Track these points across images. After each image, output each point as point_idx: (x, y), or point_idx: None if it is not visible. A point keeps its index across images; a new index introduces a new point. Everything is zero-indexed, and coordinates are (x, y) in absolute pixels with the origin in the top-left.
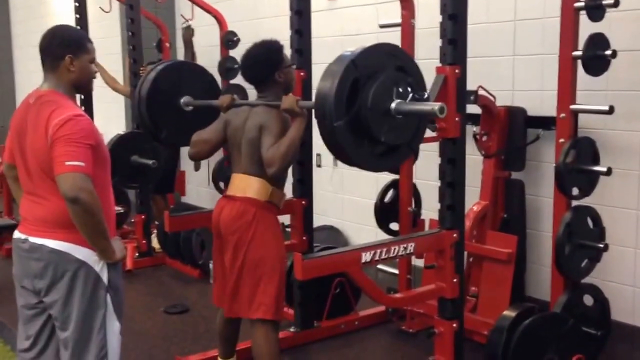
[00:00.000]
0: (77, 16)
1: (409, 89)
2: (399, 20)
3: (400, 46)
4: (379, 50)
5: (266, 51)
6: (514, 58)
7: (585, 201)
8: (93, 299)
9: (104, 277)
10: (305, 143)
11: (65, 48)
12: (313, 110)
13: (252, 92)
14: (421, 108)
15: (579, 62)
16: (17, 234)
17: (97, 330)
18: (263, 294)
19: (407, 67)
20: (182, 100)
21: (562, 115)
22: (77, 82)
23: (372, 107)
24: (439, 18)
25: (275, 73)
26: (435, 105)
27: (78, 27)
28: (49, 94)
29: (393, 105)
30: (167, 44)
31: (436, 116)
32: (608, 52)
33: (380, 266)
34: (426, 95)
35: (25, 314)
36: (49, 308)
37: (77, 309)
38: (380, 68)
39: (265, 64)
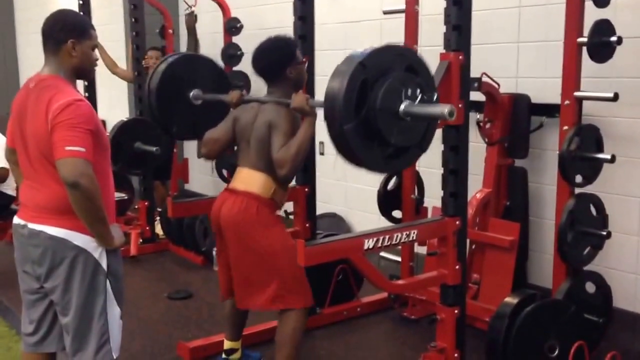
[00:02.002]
0: (80, 2)
1: (418, 90)
2: (403, 6)
3: (404, 34)
4: (388, 51)
5: (279, 45)
6: (518, 45)
7: (589, 189)
8: (92, 285)
9: (103, 264)
10: None
11: (68, 32)
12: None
13: (256, 83)
14: (430, 111)
15: (584, 48)
16: (16, 220)
17: (97, 315)
18: (284, 286)
19: (417, 68)
20: (191, 94)
21: (567, 102)
22: (78, 67)
23: (381, 109)
24: (443, 4)
25: (286, 68)
26: (445, 108)
27: (81, 13)
28: (49, 79)
29: (402, 107)
30: (170, 31)
31: (446, 119)
32: (613, 39)
33: (382, 254)
34: (435, 97)
35: (28, 299)
36: (50, 293)
37: (76, 295)
38: (389, 69)
39: (277, 58)
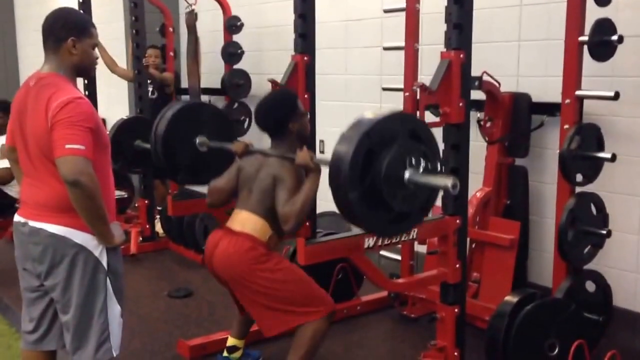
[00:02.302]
0: (80, 0)
1: (422, 159)
2: (403, 4)
3: (405, 32)
4: (394, 119)
5: (280, 101)
6: (519, 43)
7: (589, 188)
8: (93, 283)
9: (104, 262)
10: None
11: (69, 30)
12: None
13: (256, 79)
14: (435, 182)
15: (585, 47)
16: (17, 218)
17: (97, 313)
18: (299, 307)
19: (421, 135)
20: (197, 141)
21: (567, 101)
22: (79, 65)
23: (386, 177)
24: (444, 2)
25: (289, 123)
26: (448, 182)
27: (81, 11)
28: (49, 77)
29: (407, 175)
30: (171, 29)
31: (449, 191)
32: (614, 38)
33: (382, 252)
34: (439, 167)
35: (28, 297)
36: (50, 291)
37: (77, 293)
38: (394, 137)
39: (279, 114)
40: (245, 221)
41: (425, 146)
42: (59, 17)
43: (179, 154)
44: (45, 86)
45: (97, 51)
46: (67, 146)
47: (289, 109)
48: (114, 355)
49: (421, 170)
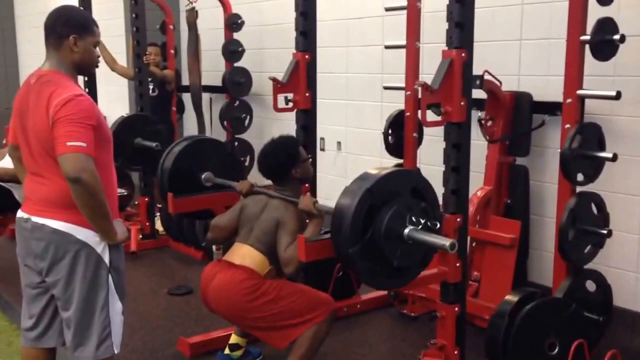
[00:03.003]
0: None
1: (422, 216)
2: (404, 3)
3: (406, 31)
4: (396, 177)
5: (282, 148)
6: (520, 42)
7: (590, 187)
8: (95, 280)
9: (106, 258)
10: (309, 127)
11: (71, 28)
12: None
13: (257, 77)
14: (433, 241)
15: (587, 46)
16: (20, 214)
17: (99, 310)
18: (301, 316)
19: (422, 191)
20: (203, 176)
21: (569, 100)
22: (80, 63)
23: (386, 234)
24: (445, 1)
25: (292, 169)
26: (446, 242)
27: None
28: (50, 74)
29: (406, 231)
30: (171, 26)
31: (447, 252)
32: (616, 37)
33: None
34: (438, 225)
35: (29, 293)
36: (52, 288)
37: (78, 290)
38: (395, 193)
39: (282, 161)
40: (245, 255)
41: (426, 203)
42: (62, 14)
43: (184, 188)
44: (47, 83)
45: (98, 49)
46: (69, 143)
47: (291, 157)
48: (115, 352)
49: (420, 227)
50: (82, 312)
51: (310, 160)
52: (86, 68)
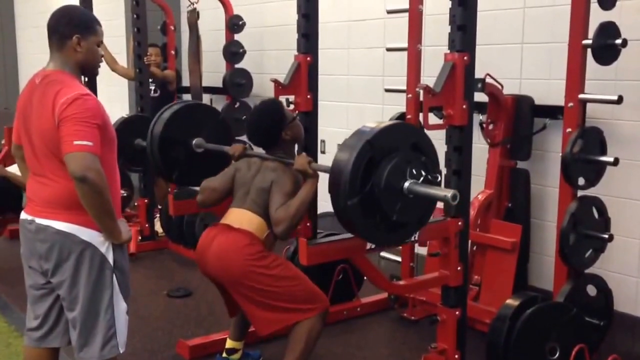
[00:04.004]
0: None
1: (422, 170)
2: (406, 5)
3: (408, 33)
4: (396, 129)
5: (267, 116)
6: (522, 46)
7: (591, 191)
8: (99, 280)
9: (110, 258)
10: (310, 129)
11: (74, 28)
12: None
13: (257, 79)
14: (434, 193)
15: (589, 50)
16: (23, 215)
17: (104, 310)
18: (295, 304)
19: (422, 146)
20: (194, 142)
21: (570, 104)
22: (83, 63)
23: (385, 187)
24: (447, 4)
25: (281, 133)
26: (448, 193)
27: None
28: (54, 74)
29: (406, 185)
30: (172, 27)
31: (449, 203)
32: (618, 41)
33: (383, 254)
34: (439, 178)
35: (34, 294)
36: (57, 288)
37: (83, 290)
38: (395, 147)
39: (269, 127)
40: (242, 218)
41: (426, 157)
42: (64, 14)
43: (174, 154)
44: (52, 83)
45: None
46: (75, 142)
47: (277, 121)
48: (120, 352)
49: (421, 180)
50: (87, 312)
51: (298, 118)
52: (90, 68)
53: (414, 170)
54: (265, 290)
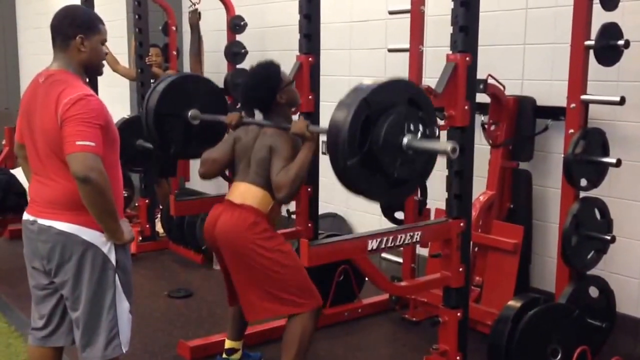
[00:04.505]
0: None
1: (420, 125)
2: (408, 6)
3: (410, 34)
4: (392, 86)
5: (263, 77)
6: (524, 47)
7: (593, 192)
8: (101, 280)
9: (112, 258)
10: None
11: (77, 28)
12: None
13: None
14: (433, 146)
15: (591, 51)
16: (26, 216)
17: (107, 309)
18: (289, 295)
19: (419, 102)
20: (189, 114)
21: (573, 105)
22: (88, 62)
23: (384, 144)
24: (449, 5)
25: (276, 96)
26: (447, 146)
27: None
28: (58, 73)
29: (405, 141)
30: (174, 28)
31: (448, 156)
32: (621, 42)
33: (384, 254)
34: (437, 132)
35: (38, 294)
36: (60, 288)
37: (86, 290)
38: (392, 104)
39: (264, 90)
40: (245, 193)
41: (423, 113)
42: (67, 14)
43: (170, 128)
44: (55, 82)
45: (105, 47)
46: (78, 143)
47: (273, 83)
48: (124, 351)
49: (419, 136)
50: (89, 312)
51: (294, 82)
52: (94, 67)
53: (411, 126)
54: (262, 273)
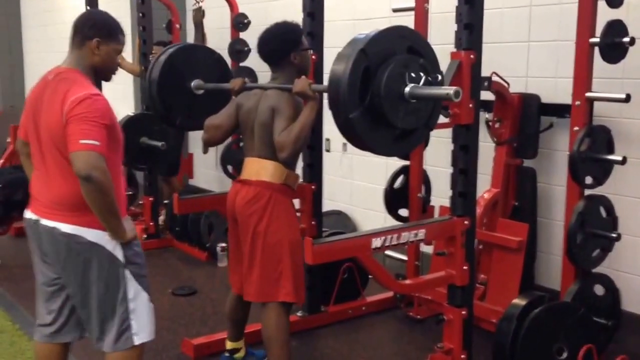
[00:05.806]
0: None
1: (422, 72)
2: (412, 4)
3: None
4: (389, 34)
5: (284, 31)
6: (528, 44)
7: (599, 190)
8: (110, 278)
9: (119, 255)
10: (315, 128)
11: (97, 31)
12: (325, 96)
13: (262, 75)
14: (436, 92)
15: (596, 49)
16: (28, 214)
17: (117, 306)
18: (280, 277)
19: (419, 48)
20: (193, 84)
21: (578, 102)
22: (98, 67)
23: (386, 94)
24: (453, 2)
25: (290, 54)
26: (450, 90)
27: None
28: (68, 72)
29: (407, 90)
30: (177, 25)
31: (451, 100)
32: (626, 40)
33: (388, 252)
34: (440, 77)
35: (46, 290)
36: (66, 287)
37: (95, 289)
38: (390, 53)
39: (282, 42)
40: (257, 169)
41: (424, 59)
42: (91, 17)
43: (174, 98)
44: (63, 80)
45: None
46: (82, 141)
47: (291, 40)
48: (147, 340)
49: (421, 83)
50: (99, 310)
51: (312, 52)
52: (104, 72)
53: (412, 74)
54: (268, 247)
